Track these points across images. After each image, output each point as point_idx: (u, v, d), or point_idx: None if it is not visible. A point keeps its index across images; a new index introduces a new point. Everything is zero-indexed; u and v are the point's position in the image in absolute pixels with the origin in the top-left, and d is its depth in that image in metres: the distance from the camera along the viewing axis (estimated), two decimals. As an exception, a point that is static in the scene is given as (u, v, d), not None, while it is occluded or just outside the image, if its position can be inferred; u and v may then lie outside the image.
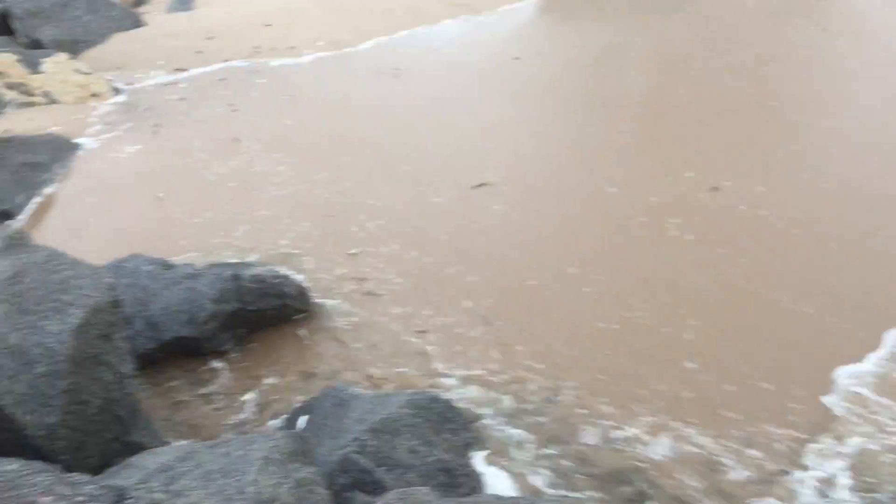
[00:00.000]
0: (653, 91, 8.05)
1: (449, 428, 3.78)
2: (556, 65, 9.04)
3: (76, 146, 7.35)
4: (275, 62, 9.63)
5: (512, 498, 3.36)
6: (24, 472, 2.01)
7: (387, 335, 4.66)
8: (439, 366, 4.40)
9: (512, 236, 5.55)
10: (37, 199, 6.47)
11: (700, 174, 6.13)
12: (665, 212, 5.67)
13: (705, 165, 6.28)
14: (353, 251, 5.39)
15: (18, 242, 3.46)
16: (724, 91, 7.83)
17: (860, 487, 3.49)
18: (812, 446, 3.69)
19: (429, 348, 4.54)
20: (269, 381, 4.36)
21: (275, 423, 4.05)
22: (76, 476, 2.13)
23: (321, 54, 9.84)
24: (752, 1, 10.88)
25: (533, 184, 6.25)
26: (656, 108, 7.62)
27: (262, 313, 4.68)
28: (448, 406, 3.89)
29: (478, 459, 3.72)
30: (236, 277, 4.61)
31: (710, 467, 3.61)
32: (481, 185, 6.18)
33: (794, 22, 9.83)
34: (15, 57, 8.58)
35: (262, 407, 4.18)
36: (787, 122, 7.08)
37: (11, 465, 2.04)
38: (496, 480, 3.62)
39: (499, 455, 3.76)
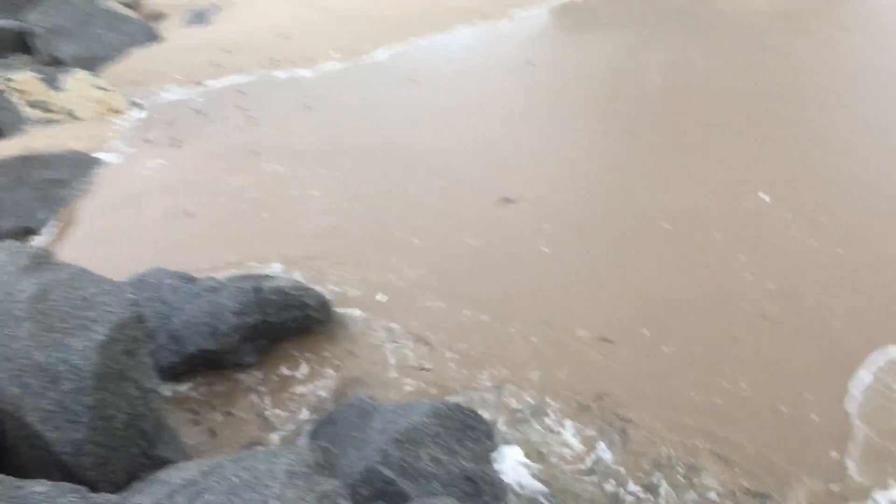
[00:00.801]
0: (677, 100, 7.79)
1: (471, 437, 3.78)
2: (573, 71, 9.00)
3: (96, 161, 7.42)
4: (291, 73, 9.68)
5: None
6: (53, 494, 2.03)
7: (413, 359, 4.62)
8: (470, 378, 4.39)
9: (568, 289, 5.08)
10: (59, 216, 6.54)
11: (755, 196, 5.56)
12: (735, 251, 5.15)
13: (758, 185, 5.72)
14: (381, 298, 5.16)
15: (43, 260, 3.50)
16: (754, 99, 7.44)
17: None
18: None
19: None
20: (292, 392, 4.38)
21: (298, 434, 4.06)
22: (103, 496, 2.15)
23: (337, 65, 9.88)
24: (765, 3, 10.81)
25: (577, 219, 5.79)
26: (683, 119, 7.22)
27: (284, 325, 4.69)
28: (471, 415, 3.89)
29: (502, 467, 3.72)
30: (258, 290, 4.63)
31: None
32: (506, 200, 6.07)
33: (813, 22, 9.74)
34: (36, 75, 8.69)
35: (286, 419, 4.19)
36: (840, 133, 6.59)
37: (40, 487, 2.05)
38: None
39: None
